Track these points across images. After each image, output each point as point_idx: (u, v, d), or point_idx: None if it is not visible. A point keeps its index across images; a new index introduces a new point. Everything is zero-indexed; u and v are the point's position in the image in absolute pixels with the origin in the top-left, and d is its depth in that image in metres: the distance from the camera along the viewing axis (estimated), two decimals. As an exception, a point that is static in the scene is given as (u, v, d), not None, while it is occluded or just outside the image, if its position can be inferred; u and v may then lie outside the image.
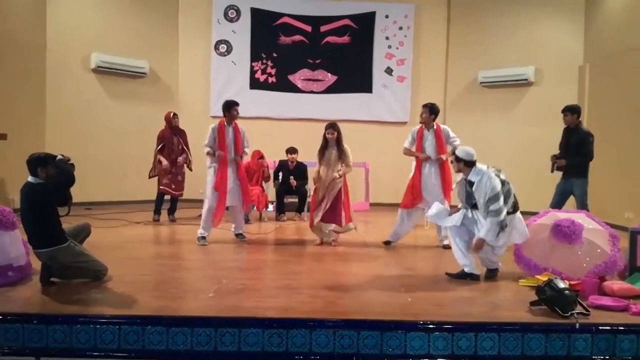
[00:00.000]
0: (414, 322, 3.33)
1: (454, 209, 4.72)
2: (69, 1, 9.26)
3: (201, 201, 8.74)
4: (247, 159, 6.99)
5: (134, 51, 9.76)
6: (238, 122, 6.12)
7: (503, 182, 4.31)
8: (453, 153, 4.54)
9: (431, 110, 5.88)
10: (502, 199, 4.20)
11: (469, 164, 4.44)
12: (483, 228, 4.26)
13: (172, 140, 7.56)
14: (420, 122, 5.99)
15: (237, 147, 6.00)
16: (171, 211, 7.75)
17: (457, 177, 4.72)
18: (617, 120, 8.09)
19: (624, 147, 7.87)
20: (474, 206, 4.42)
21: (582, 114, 9.03)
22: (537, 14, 9.67)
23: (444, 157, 5.80)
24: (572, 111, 5.99)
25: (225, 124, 5.99)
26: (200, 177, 7.92)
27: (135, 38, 9.87)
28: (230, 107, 5.98)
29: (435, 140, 5.85)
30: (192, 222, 7.68)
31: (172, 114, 7.64)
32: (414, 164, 6.10)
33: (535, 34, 9.69)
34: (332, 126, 5.92)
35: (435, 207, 4.71)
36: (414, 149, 5.99)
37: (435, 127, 5.91)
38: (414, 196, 5.86)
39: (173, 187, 7.59)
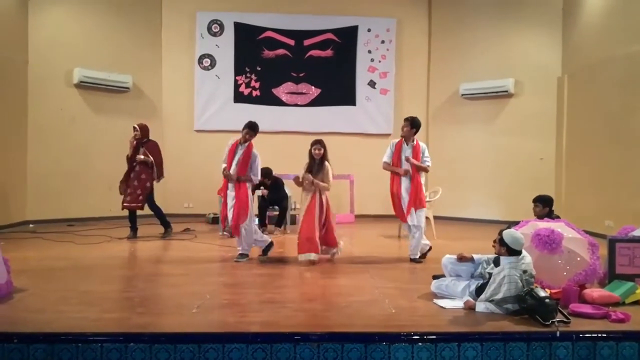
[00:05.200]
0: (398, 333, 3.35)
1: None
2: (51, 16, 9.24)
3: (186, 215, 8.79)
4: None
5: (117, 66, 9.74)
6: (255, 150, 5.91)
7: (525, 271, 3.87)
8: (500, 234, 4.00)
9: (412, 124, 5.88)
10: (517, 300, 3.76)
11: (512, 252, 3.90)
12: (482, 304, 3.86)
13: (136, 150, 7.41)
14: (402, 136, 5.98)
15: (240, 168, 5.76)
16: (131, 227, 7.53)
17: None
18: (596, 130, 8.25)
19: (604, 156, 8.01)
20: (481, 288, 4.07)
21: (561, 124, 9.26)
22: (515, 27, 9.86)
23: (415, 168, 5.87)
24: (543, 203, 5.43)
25: (240, 142, 5.89)
26: (185, 192, 7.92)
27: (118, 53, 9.85)
28: (243, 128, 5.87)
29: (413, 155, 5.86)
30: (177, 237, 7.65)
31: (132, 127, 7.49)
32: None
33: (514, 46, 9.87)
34: (320, 142, 5.92)
35: (447, 302, 4.13)
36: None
37: (414, 142, 5.94)
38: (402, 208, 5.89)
39: (128, 199, 7.33)
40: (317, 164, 5.88)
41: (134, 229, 7.49)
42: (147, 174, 7.42)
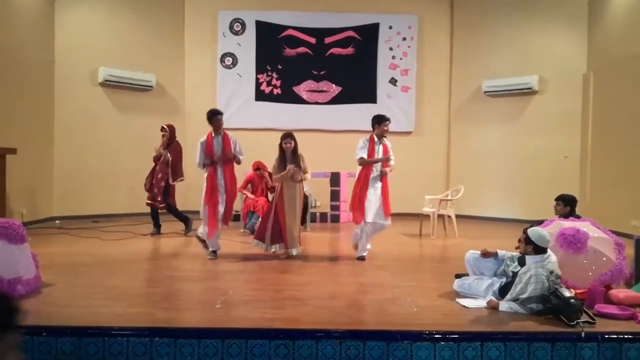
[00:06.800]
0: (420, 332, 3.35)
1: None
2: (76, 17, 9.40)
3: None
4: (243, 168, 6.87)
5: (141, 65, 9.87)
6: (231, 133, 6.08)
7: (551, 272, 3.78)
8: (524, 233, 3.95)
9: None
10: (541, 300, 3.72)
11: (539, 250, 3.86)
12: (505, 303, 3.84)
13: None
14: (380, 134, 5.91)
15: (226, 155, 5.90)
16: (184, 222, 7.77)
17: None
18: (622, 127, 8.09)
19: (630, 154, 7.86)
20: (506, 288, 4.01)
21: (586, 122, 9.10)
22: (539, 23, 9.70)
23: (387, 170, 5.88)
24: (565, 202, 5.37)
25: (213, 134, 5.96)
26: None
27: (141, 52, 9.99)
28: (211, 117, 5.95)
29: (383, 153, 5.89)
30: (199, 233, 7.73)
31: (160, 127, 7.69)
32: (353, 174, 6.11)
33: (538, 42, 9.71)
34: (290, 136, 5.97)
35: (469, 302, 4.08)
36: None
37: (383, 140, 5.95)
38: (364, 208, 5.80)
39: (150, 195, 7.55)
40: (291, 157, 5.91)
41: (157, 225, 7.64)
42: (163, 173, 7.55)
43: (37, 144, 8.62)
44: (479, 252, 4.37)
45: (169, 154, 7.51)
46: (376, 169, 5.87)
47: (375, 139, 5.91)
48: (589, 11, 9.22)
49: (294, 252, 5.88)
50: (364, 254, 5.92)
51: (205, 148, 5.88)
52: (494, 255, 4.28)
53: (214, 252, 5.92)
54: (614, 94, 8.35)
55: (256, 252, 6.05)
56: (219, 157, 5.85)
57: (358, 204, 5.80)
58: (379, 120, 5.94)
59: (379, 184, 5.87)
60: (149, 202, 7.60)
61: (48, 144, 9.02)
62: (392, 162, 5.95)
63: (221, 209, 5.88)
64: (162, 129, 7.66)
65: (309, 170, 6.05)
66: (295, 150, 5.96)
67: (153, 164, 7.65)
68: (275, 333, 3.31)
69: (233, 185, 5.98)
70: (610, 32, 8.63)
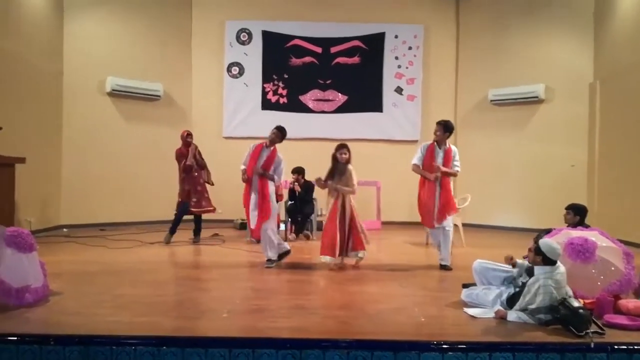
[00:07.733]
0: (428, 342, 3.33)
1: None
2: (85, 27, 9.49)
3: (216, 221, 8.90)
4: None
5: (148, 74, 9.95)
6: (281, 154, 5.99)
7: (559, 287, 3.74)
8: (536, 242, 3.90)
9: (445, 128, 5.81)
10: (550, 310, 3.69)
11: (548, 262, 3.80)
12: (513, 313, 3.82)
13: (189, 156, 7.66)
14: (435, 140, 5.91)
15: (263, 168, 5.85)
16: (196, 232, 7.80)
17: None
18: (629, 136, 8.05)
19: (638, 163, 7.82)
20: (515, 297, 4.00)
21: (593, 131, 9.07)
22: (546, 32, 9.72)
23: (432, 176, 5.78)
24: (575, 211, 5.42)
25: (265, 145, 5.99)
26: (214, 197, 8.02)
27: (149, 62, 10.07)
28: (273, 129, 6.01)
29: (444, 159, 5.81)
30: (206, 242, 7.74)
31: (185, 133, 7.71)
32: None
33: (544, 51, 9.72)
34: (345, 146, 5.88)
35: (477, 312, 4.05)
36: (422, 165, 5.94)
37: (447, 145, 5.88)
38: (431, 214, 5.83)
39: (204, 204, 7.63)
40: (339, 168, 5.84)
41: (173, 232, 7.57)
42: (203, 178, 7.72)
43: (45, 153, 8.68)
44: (488, 262, 4.35)
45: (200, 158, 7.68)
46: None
47: (436, 145, 5.90)
48: (595, 20, 9.22)
49: (322, 259, 5.78)
50: (447, 263, 5.87)
51: (251, 152, 5.97)
52: (514, 263, 4.24)
53: (287, 251, 6.01)
54: (621, 103, 8.33)
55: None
56: (255, 171, 5.89)
57: (420, 210, 5.94)
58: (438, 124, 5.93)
59: (437, 190, 5.81)
60: (209, 209, 7.65)
61: (56, 153, 9.08)
62: (456, 169, 5.89)
63: (253, 214, 5.87)
64: (190, 135, 7.71)
65: (353, 185, 5.77)
66: (347, 161, 5.83)
67: (187, 174, 7.57)
68: (283, 342, 3.30)
69: (264, 196, 5.84)
70: (616, 40, 8.63)
